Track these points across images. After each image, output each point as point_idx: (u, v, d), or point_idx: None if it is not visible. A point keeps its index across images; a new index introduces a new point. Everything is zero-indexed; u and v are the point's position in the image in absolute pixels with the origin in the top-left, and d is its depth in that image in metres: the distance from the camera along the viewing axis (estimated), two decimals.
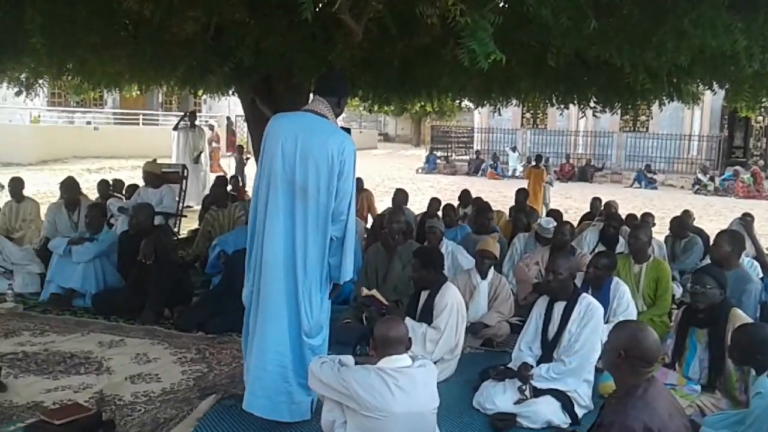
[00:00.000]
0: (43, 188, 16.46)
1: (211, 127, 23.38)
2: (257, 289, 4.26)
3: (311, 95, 4.41)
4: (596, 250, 7.85)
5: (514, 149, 28.85)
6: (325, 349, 4.33)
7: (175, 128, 14.78)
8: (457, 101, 12.63)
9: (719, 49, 5.39)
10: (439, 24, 5.57)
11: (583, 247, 8.08)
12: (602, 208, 10.34)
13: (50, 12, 6.06)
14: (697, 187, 24.02)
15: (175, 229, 9.71)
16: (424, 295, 5.38)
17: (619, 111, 10.21)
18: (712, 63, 6.87)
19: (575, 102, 9.83)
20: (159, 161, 11.36)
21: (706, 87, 9.26)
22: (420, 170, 29.23)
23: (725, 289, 4.72)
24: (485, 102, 11.27)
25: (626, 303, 5.61)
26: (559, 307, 4.86)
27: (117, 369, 5.13)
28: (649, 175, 25.34)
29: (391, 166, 31.84)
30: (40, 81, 11.62)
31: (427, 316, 5.25)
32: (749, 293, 5.71)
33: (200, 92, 13.70)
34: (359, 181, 13.45)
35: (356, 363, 3.81)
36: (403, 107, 13.37)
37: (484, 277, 6.23)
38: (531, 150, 29.01)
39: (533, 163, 17.20)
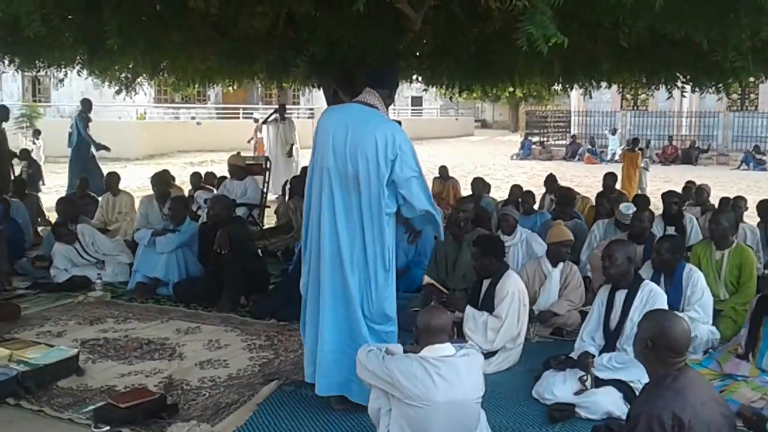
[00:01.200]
0: (148, 182, 17.23)
1: (256, 120, 23.91)
2: (315, 279, 4.37)
3: (366, 88, 4.44)
4: (666, 233, 7.57)
5: (613, 132, 27.99)
6: (394, 337, 4.38)
7: (265, 122, 15.13)
8: (544, 85, 12.34)
9: None
10: (497, 8, 5.52)
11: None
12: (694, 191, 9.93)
13: (127, 12, 6.34)
14: None
15: (259, 220, 9.95)
16: (486, 283, 5.35)
17: (713, 90, 9.74)
18: None
19: (663, 82, 9.46)
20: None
21: None
22: (515, 156, 28.82)
23: None
24: (571, 85, 11.01)
25: (701, 291, 5.37)
26: (621, 295, 4.73)
27: (189, 355, 5.35)
28: (758, 157, 24.07)
29: (487, 153, 31.59)
30: (139, 79, 12.22)
31: (488, 304, 5.21)
32: None
33: (288, 85, 14.05)
34: (444, 169, 13.46)
35: (405, 351, 3.84)
36: (487, 93, 13.18)
37: (555, 265, 6.13)
38: (631, 132, 28.11)
39: (628, 147, 16.65)
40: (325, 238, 4.27)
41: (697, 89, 9.35)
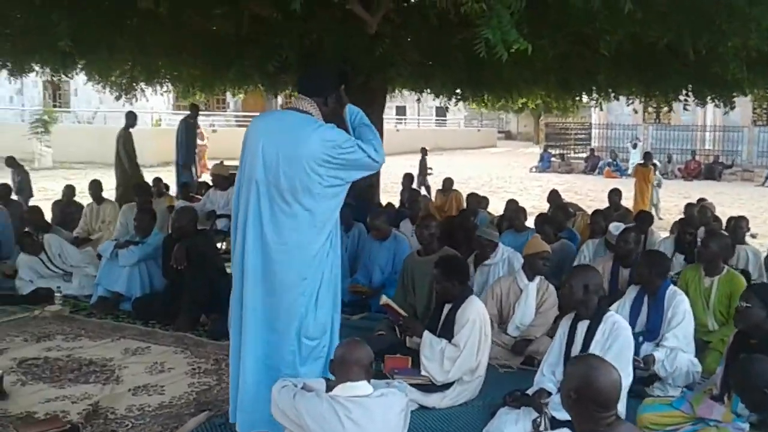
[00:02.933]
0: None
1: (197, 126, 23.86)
2: (238, 300, 4.02)
3: (299, 95, 4.10)
4: (673, 262, 7.12)
5: (635, 145, 27.25)
6: (321, 350, 4.01)
7: None
8: (548, 96, 11.84)
9: None
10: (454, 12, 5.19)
11: None
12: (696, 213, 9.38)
13: (80, 14, 6.08)
14: None
15: None
16: (447, 308, 4.95)
17: (719, 103, 9.27)
18: None
19: (662, 94, 9.04)
20: None
21: None
22: (534, 169, 28.31)
23: None
24: (572, 97, 10.60)
25: (682, 314, 4.93)
26: (583, 326, 4.32)
27: (126, 379, 5.02)
28: None
29: (506, 165, 31.10)
30: (140, 85, 12.07)
31: (447, 331, 4.81)
32: None
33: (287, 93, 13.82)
34: (448, 181, 13.04)
35: (329, 388, 3.46)
36: (486, 103, 12.74)
37: (531, 279, 5.75)
38: (653, 146, 27.47)
39: (641, 161, 16.12)
40: (249, 254, 3.91)
41: (697, 102, 8.91)
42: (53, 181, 18.83)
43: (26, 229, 7.71)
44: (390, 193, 14.55)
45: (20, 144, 21.67)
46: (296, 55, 7.01)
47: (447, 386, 4.71)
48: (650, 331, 5.05)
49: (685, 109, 9.27)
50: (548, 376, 4.39)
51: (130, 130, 12.83)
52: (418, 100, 11.42)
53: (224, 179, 9.45)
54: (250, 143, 3.99)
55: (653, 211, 15.45)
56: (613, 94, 10.61)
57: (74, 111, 32.11)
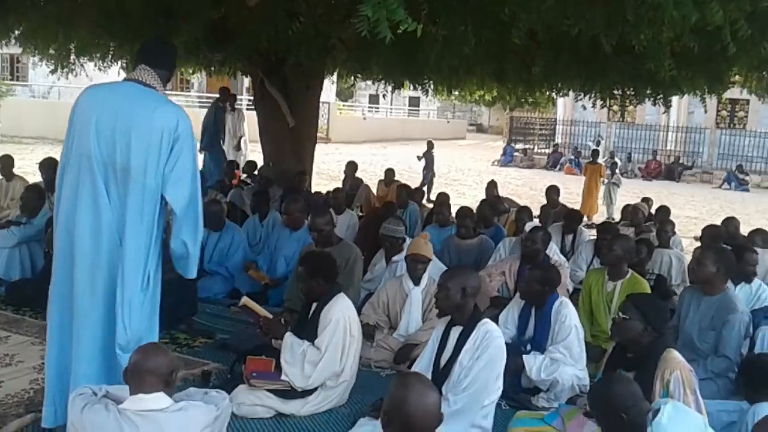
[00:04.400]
0: None
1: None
2: (68, 288, 3.66)
3: (139, 65, 3.68)
4: (592, 266, 6.80)
5: (597, 143, 27.07)
6: None
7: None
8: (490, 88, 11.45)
9: (687, 22, 4.28)
10: None
11: (580, 262, 7.02)
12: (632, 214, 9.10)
13: None
14: None
15: None
16: (314, 307, 4.56)
17: (657, 102, 8.94)
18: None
19: (599, 91, 8.72)
20: None
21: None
22: (495, 163, 28.02)
23: (654, 324, 3.69)
24: (505, 88, 10.25)
25: (567, 329, 4.58)
26: (456, 332, 3.98)
27: None
28: (740, 176, 23.24)
29: (470, 158, 30.76)
30: (82, 60, 11.51)
31: (311, 332, 4.39)
32: (731, 325, 4.62)
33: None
34: (390, 172, 12.66)
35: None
36: (428, 91, 12.30)
37: (417, 283, 5.37)
38: (616, 145, 27.30)
39: (590, 159, 15.86)
40: (80, 240, 3.52)
41: (634, 100, 8.60)
42: None
43: None
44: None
45: None
46: (202, 32, 6.59)
47: (309, 392, 4.32)
48: (537, 341, 4.72)
49: (622, 106, 8.93)
50: None
51: None
52: (394, 89, 10.86)
53: None
54: (80, 117, 3.59)
55: (605, 210, 15.24)
56: (563, 90, 10.32)
57: (31, 85, 31.25)
